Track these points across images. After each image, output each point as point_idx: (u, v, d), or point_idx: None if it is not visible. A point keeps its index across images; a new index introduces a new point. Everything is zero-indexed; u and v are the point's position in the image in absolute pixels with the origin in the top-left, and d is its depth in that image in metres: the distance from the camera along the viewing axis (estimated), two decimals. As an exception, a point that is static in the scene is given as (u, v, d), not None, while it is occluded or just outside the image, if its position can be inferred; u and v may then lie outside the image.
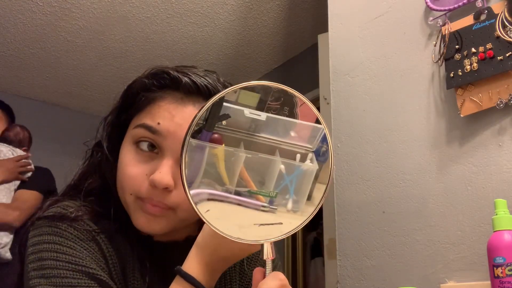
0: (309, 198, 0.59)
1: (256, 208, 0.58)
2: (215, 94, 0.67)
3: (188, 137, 0.54)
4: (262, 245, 0.56)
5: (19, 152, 2.28)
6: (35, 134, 2.54)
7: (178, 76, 0.70)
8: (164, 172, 0.66)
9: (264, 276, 0.56)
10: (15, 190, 2.17)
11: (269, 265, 0.56)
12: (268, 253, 0.56)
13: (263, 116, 0.57)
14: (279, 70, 3.29)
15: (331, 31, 1.58)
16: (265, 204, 0.58)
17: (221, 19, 2.80)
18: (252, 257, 0.85)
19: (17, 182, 2.19)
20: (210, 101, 0.56)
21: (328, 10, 1.61)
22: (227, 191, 0.57)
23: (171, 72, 0.71)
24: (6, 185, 2.14)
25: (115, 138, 0.76)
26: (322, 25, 2.06)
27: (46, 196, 2.18)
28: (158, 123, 0.68)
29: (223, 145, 0.56)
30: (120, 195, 0.72)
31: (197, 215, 0.58)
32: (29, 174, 2.24)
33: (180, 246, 0.75)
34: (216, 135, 0.57)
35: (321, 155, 0.59)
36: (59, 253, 0.65)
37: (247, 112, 0.57)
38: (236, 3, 2.66)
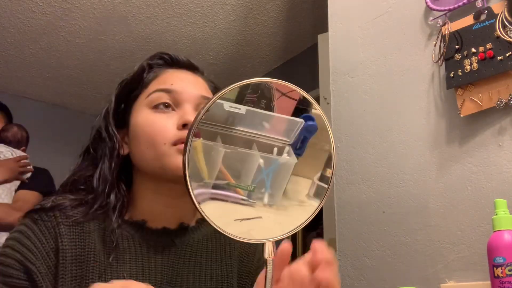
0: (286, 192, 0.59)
1: (237, 201, 0.58)
2: (201, 71, 0.87)
3: (191, 137, 0.54)
4: (263, 244, 0.56)
5: (19, 152, 2.28)
6: (34, 134, 2.54)
7: (176, 55, 0.87)
8: (192, 114, 0.77)
9: (265, 276, 0.56)
10: (15, 191, 2.17)
11: (270, 265, 0.56)
12: (269, 252, 0.56)
13: (242, 109, 0.57)
14: (279, 70, 3.29)
15: (331, 31, 1.58)
16: (244, 198, 0.58)
17: (221, 19, 2.80)
18: (248, 250, 0.88)
19: (17, 183, 2.18)
20: (211, 101, 0.55)
21: (328, 10, 1.61)
22: (204, 186, 0.57)
23: (169, 53, 0.87)
24: (7, 185, 2.13)
25: (116, 127, 0.83)
26: (322, 25, 2.06)
27: (46, 196, 2.17)
28: (172, 84, 0.81)
29: (201, 138, 0.56)
30: (150, 153, 0.78)
31: None
32: (29, 174, 2.23)
33: (172, 233, 0.80)
34: None
35: (298, 148, 0.60)
36: (13, 250, 0.72)
37: (227, 106, 0.57)
38: (236, 3, 2.66)
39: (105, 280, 0.72)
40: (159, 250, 0.78)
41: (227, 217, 0.57)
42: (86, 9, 2.70)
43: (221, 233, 0.82)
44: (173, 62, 0.86)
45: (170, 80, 0.82)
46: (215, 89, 0.88)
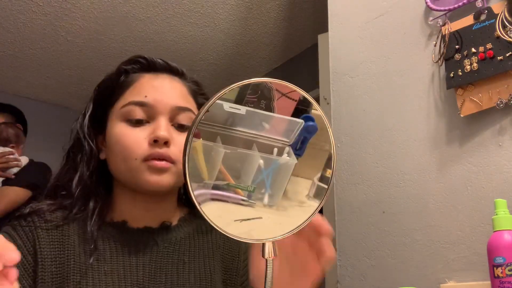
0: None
1: (237, 202, 0.58)
2: (180, 72, 0.84)
3: (191, 137, 0.54)
4: (263, 244, 0.56)
5: (2, 150, 2.26)
6: (34, 134, 2.53)
7: (153, 58, 0.84)
8: (164, 129, 0.76)
9: (265, 276, 0.56)
10: None
11: (270, 265, 0.56)
12: (269, 252, 0.56)
13: (242, 110, 0.57)
14: (279, 70, 3.29)
15: (331, 31, 1.58)
16: (244, 198, 0.58)
17: (221, 19, 2.80)
18: (231, 246, 0.88)
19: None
20: (211, 101, 0.55)
21: (328, 10, 1.61)
22: (204, 186, 0.57)
23: (146, 56, 0.85)
24: None
25: (94, 131, 0.84)
26: (322, 25, 2.06)
27: (33, 190, 2.15)
28: (145, 96, 0.79)
29: (201, 139, 0.56)
30: (122, 167, 0.78)
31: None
32: (15, 170, 2.22)
33: (154, 231, 0.81)
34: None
35: (297, 148, 0.60)
36: None
37: (227, 106, 0.57)
38: (236, 3, 2.66)
39: (87, 280, 0.74)
40: (141, 249, 0.79)
41: (227, 217, 0.57)
42: (86, 9, 2.69)
43: (213, 232, 0.83)
44: (150, 66, 0.84)
45: (145, 90, 0.80)
46: (198, 90, 0.87)
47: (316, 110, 0.60)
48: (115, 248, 0.78)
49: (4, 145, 2.29)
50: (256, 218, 0.58)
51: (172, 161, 0.76)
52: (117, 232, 0.79)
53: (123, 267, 0.76)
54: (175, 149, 0.77)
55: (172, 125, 0.80)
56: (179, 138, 0.78)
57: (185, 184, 0.54)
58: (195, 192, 0.54)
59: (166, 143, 0.76)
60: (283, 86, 0.58)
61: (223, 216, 0.56)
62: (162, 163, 0.76)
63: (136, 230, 0.80)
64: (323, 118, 0.59)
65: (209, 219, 0.55)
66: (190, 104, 0.83)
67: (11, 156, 2.22)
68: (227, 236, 0.85)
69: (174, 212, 0.86)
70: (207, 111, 0.55)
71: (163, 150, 0.76)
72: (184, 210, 0.89)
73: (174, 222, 0.85)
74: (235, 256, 0.87)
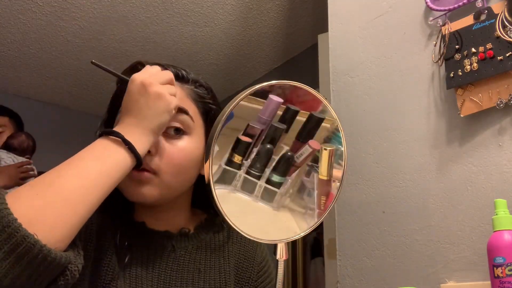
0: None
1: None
2: (180, 75, 0.80)
3: (219, 130, 0.56)
4: (275, 245, 0.57)
5: (21, 160, 2.28)
6: (34, 134, 2.54)
7: (148, 62, 0.79)
8: None
9: (276, 277, 0.58)
10: None
11: (281, 265, 0.57)
12: (281, 253, 0.57)
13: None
14: (279, 70, 3.29)
15: (331, 31, 1.58)
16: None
17: (221, 19, 2.80)
18: (247, 255, 0.88)
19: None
20: (238, 97, 0.57)
21: (328, 10, 1.61)
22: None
23: (143, 61, 0.80)
24: (8, 191, 2.14)
25: None
26: (322, 25, 2.06)
27: None
28: None
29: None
30: None
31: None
32: (31, 180, 2.23)
33: (173, 237, 0.80)
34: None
35: None
36: None
37: None
38: (236, 3, 2.66)
39: (114, 275, 0.73)
40: (159, 253, 0.78)
41: (244, 217, 0.59)
42: (86, 9, 2.69)
43: (229, 241, 0.83)
44: None
45: None
46: (204, 95, 0.82)
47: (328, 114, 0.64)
48: (134, 248, 0.76)
49: (20, 155, 2.32)
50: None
51: (154, 172, 0.73)
52: (136, 232, 0.78)
53: (141, 269, 0.75)
54: (159, 158, 0.73)
55: (167, 131, 0.75)
56: (167, 147, 0.74)
57: (207, 182, 0.55)
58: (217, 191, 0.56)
59: (149, 152, 0.72)
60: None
61: (240, 215, 0.58)
62: (141, 175, 0.72)
63: (155, 232, 0.79)
64: (338, 122, 0.64)
65: (227, 217, 0.56)
66: (187, 107, 0.78)
67: (29, 167, 2.25)
68: (242, 245, 0.86)
69: (190, 218, 0.85)
70: (224, 121, 0.57)
71: (143, 162, 0.71)
72: (200, 216, 0.87)
73: (192, 229, 0.83)
74: (248, 266, 0.86)
